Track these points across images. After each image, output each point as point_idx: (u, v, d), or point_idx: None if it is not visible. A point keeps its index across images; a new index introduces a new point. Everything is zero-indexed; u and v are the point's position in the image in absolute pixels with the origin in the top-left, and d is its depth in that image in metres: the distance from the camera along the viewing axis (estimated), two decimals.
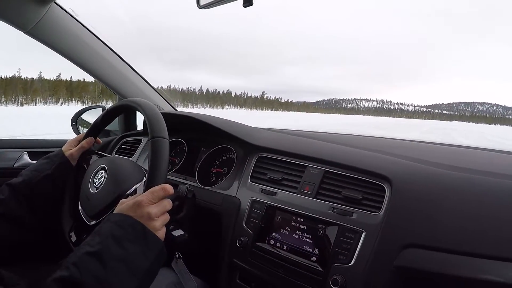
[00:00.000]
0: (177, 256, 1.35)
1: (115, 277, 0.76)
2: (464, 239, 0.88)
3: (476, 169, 1.07)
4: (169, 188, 0.93)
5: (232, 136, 1.43)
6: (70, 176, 1.21)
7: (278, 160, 1.29)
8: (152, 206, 0.88)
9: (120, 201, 0.93)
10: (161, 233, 0.89)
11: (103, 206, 1.02)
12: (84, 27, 1.74)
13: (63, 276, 0.74)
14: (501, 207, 0.91)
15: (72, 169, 1.22)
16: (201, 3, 1.14)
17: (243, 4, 0.95)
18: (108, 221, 0.85)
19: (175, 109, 2.19)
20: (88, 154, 1.27)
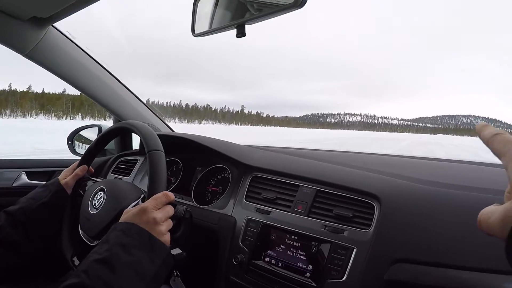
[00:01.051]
0: (175, 274, 1.37)
1: (124, 282, 0.79)
2: (452, 253, 0.91)
3: (462, 185, 1.11)
4: (171, 195, 0.98)
5: (226, 157, 1.46)
6: (67, 203, 1.24)
7: (272, 180, 1.32)
8: (156, 211, 0.92)
9: (124, 211, 0.96)
10: (167, 238, 0.93)
11: (104, 224, 1.04)
12: (81, 49, 1.76)
13: (73, 283, 0.76)
14: None
15: (68, 197, 1.25)
16: (196, 32, 1.18)
17: (236, 35, 0.99)
18: (115, 230, 0.88)
19: (172, 130, 2.23)
20: (83, 181, 1.29)
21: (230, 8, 1.07)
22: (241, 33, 0.99)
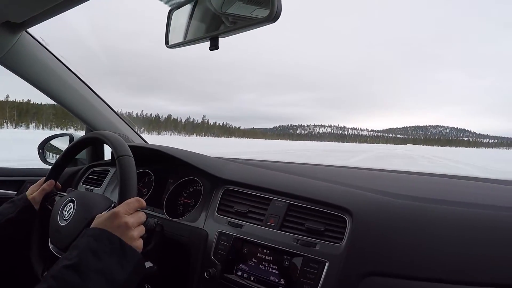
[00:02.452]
0: None
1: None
2: (424, 265, 0.92)
3: (433, 198, 1.12)
4: (142, 201, 0.97)
5: (198, 169, 1.44)
6: (35, 219, 1.20)
7: (244, 193, 1.30)
8: (128, 216, 0.91)
9: (97, 216, 0.94)
10: (139, 244, 0.91)
11: (75, 235, 1.00)
12: (54, 57, 1.73)
13: None
14: (457, 233, 0.96)
15: (36, 213, 1.21)
16: (170, 43, 1.16)
17: (209, 48, 0.98)
18: (85, 235, 0.86)
19: (145, 141, 2.19)
20: (51, 196, 1.25)
21: (204, 20, 1.06)
22: (214, 46, 0.98)
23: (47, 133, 2.13)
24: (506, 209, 1.05)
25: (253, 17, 0.88)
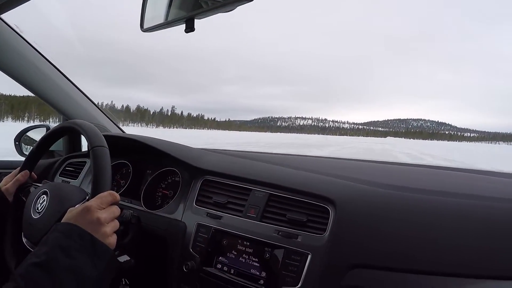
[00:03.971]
0: (123, 283, 1.29)
1: (62, 287, 0.73)
2: (408, 257, 0.88)
3: (419, 188, 1.08)
4: (117, 195, 0.92)
5: (177, 159, 1.38)
6: (9, 211, 1.14)
7: (223, 184, 1.26)
8: (101, 211, 0.86)
9: (68, 210, 0.89)
10: (112, 240, 0.86)
11: (48, 228, 0.94)
12: (28, 44, 1.66)
13: None
14: (443, 224, 0.92)
15: (10, 204, 1.15)
16: (144, 27, 1.10)
17: (185, 30, 0.92)
18: (55, 231, 0.81)
19: (122, 131, 2.11)
20: (26, 187, 1.19)
21: (180, 1, 1.00)
22: (189, 28, 0.91)
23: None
24: (497, 200, 1.02)
25: None
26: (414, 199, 1.02)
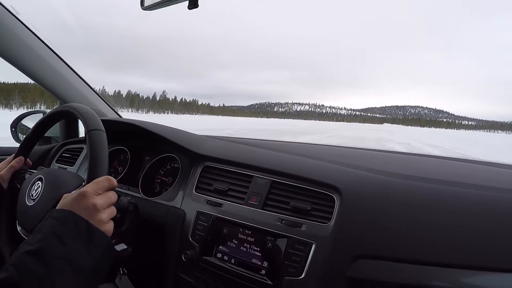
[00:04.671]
0: (121, 272, 1.25)
1: (57, 276, 0.69)
2: (415, 247, 0.85)
3: (426, 177, 1.05)
4: (114, 180, 0.87)
5: (176, 145, 1.34)
6: (3, 198, 1.10)
7: (223, 170, 1.21)
8: (97, 197, 0.82)
9: (64, 195, 0.85)
10: (109, 227, 0.82)
11: (43, 216, 0.90)
12: (24, 26, 1.60)
13: (0, 278, 0.66)
14: (449, 214, 0.89)
15: (4, 192, 1.11)
16: (145, 4, 1.05)
17: (188, 6, 0.87)
18: (50, 218, 0.77)
19: (120, 116, 2.07)
20: (21, 173, 1.15)
21: None
22: (193, 4, 0.87)
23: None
24: (504, 191, 0.98)
25: None
26: (423, 188, 0.98)
